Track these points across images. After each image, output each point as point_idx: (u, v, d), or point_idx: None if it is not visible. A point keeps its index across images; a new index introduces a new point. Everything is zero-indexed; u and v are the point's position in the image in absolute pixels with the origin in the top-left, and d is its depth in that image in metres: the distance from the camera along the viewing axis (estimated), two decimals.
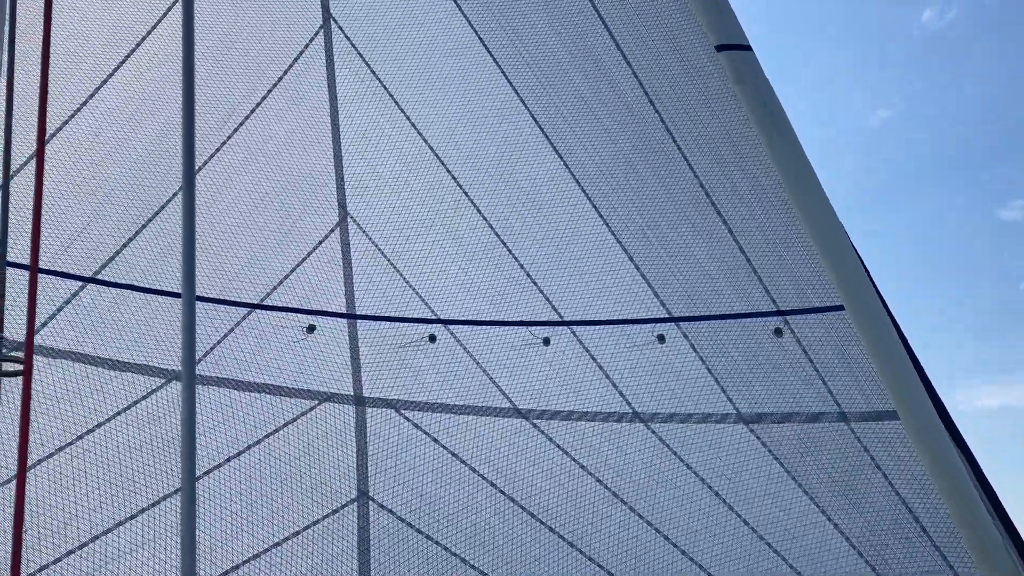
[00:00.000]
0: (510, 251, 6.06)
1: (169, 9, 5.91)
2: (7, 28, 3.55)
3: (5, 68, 3.54)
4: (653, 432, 5.82)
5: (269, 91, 5.95)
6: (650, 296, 5.97)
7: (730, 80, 5.09)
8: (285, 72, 5.97)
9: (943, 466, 5.08)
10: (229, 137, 5.71)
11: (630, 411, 5.86)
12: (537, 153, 6.05)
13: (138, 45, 5.38)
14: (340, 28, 6.17)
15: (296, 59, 6.05)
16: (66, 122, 5.21)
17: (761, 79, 4.89)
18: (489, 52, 6.08)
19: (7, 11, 3.56)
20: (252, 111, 5.84)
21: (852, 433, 5.74)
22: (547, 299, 6.00)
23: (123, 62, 5.35)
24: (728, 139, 5.80)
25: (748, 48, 4.91)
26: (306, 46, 6.11)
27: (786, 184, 5.17)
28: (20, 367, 2.29)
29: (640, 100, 5.86)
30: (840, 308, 5.55)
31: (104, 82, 5.30)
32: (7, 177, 3.67)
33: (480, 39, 6.09)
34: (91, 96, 5.28)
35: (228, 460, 5.40)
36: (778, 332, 5.78)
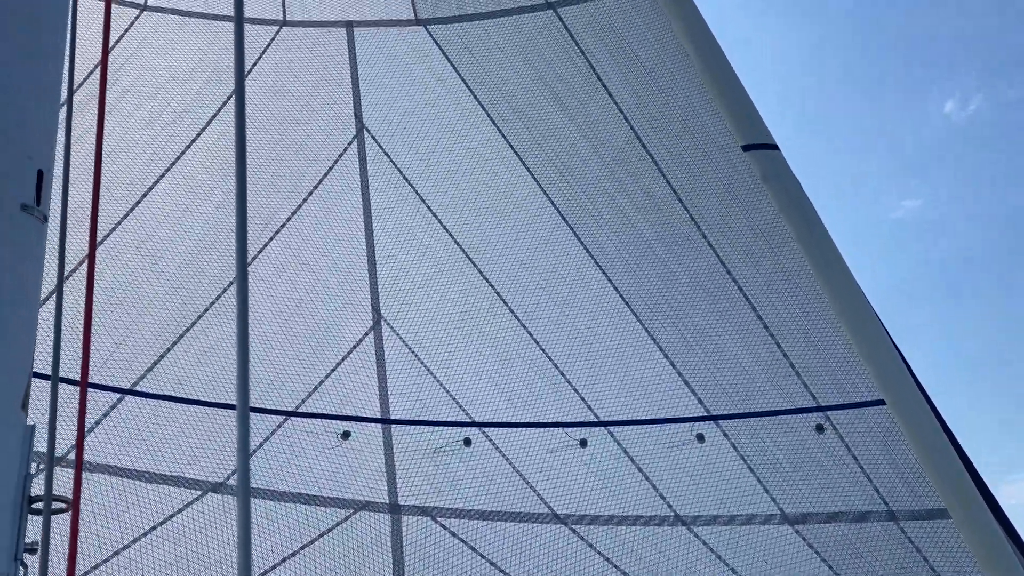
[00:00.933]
0: (543, 351, 6.04)
1: (208, 124, 6.12)
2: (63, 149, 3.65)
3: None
4: (696, 535, 5.66)
5: (305, 199, 6.09)
6: (687, 394, 5.89)
7: (758, 178, 5.13)
8: (320, 181, 6.12)
9: (999, 565, 4.87)
10: (265, 245, 5.83)
11: (671, 514, 5.72)
12: (567, 252, 6.08)
13: (174, 162, 5.56)
14: (373, 137, 6.33)
15: (331, 168, 6.19)
16: (104, 238, 5.35)
17: (789, 177, 4.92)
18: (516, 153, 6.20)
19: (64, 134, 3.65)
20: (288, 219, 5.96)
21: (902, 532, 5.54)
22: (583, 399, 5.95)
23: (160, 179, 5.51)
24: (758, 233, 5.79)
25: (775, 147, 4.96)
26: (340, 155, 6.27)
27: (819, 279, 5.14)
28: (67, 504, 2.29)
29: (668, 196, 5.90)
30: (881, 403, 5.44)
31: (142, 198, 5.47)
32: (60, 293, 3.74)
33: (507, 141, 6.22)
34: (129, 212, 5.43)
35: (264, 574, 5.33)
36: (819, 428, 5.65)
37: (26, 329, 2.25)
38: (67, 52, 2.71)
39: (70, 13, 2.91)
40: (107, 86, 5.60)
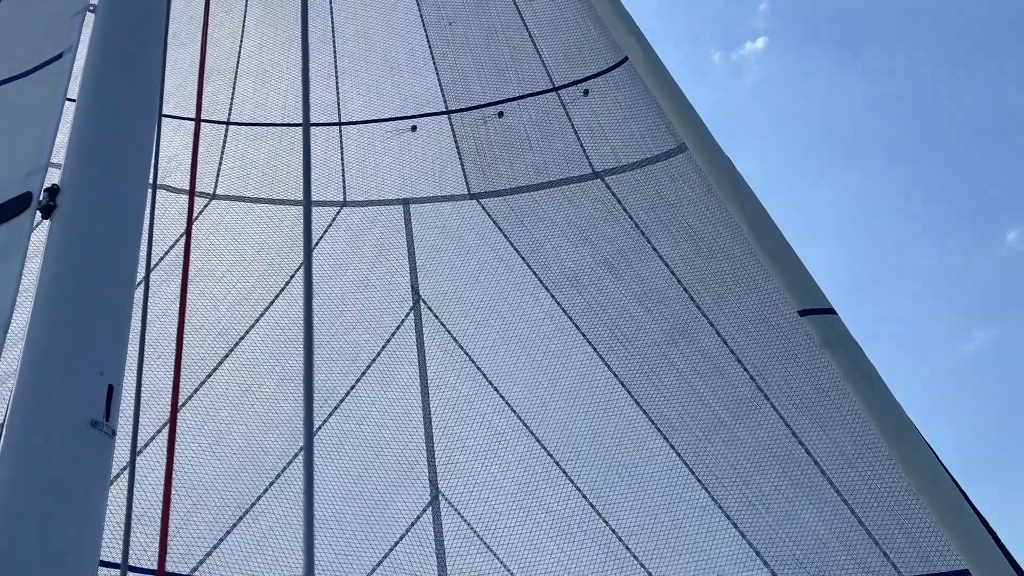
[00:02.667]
0: (606, 522, 5.87)
1: (271, 304, 6.31)
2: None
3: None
4: None
5: (362, 374, 6.16)
6: (759, 565, 5.63)
7: (817, 343, 5.06)
8: (377, 355, 6.20)
9: None
10: (324, 422, 5.87)
11: None
12: (627, 419, 6.00)
13: (237, 343, 5.71)
14: (429, 309, 6.45)
15: (388, 341, 6.29)
16: (162, 428, 5.45)
17: (848, 341, 4.84)
18: (571, 320, 6.24)
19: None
20: (346, 395, 6.02)
21: None
22: (648, 572, 5.71)
23: (223, 360, 5.65)
24: (823, 395, 5.66)
25: (832, 312, 4.91)
26: (397, 328, 6.38)
27: (888, 446, 4.96)
28: None
29: (728, 360, 5.84)
30: (967, 573, 5.12)
31: (205, 379, 5.59)
32: (132, 485, 3.77)
33: (562, 308, 6.28)
34: (192, 394, 5.55)
35: None
36: None
37: (91, 549, 2.25)
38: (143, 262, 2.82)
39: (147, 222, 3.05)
40: (174, 273, 5.83)
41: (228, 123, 7.06)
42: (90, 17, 3.12)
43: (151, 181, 3.04)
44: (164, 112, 6.17)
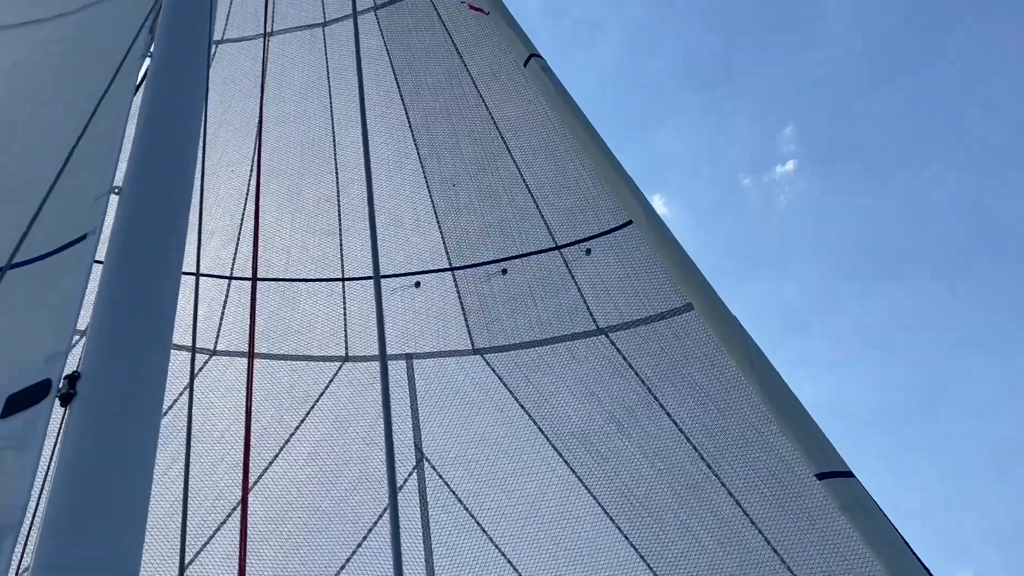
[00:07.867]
0: None
1: (268, 466, 6.14)
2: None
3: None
4: None
5: (364, 538, 5.94)
6: None
7: (836, 508, 4.92)
8: (378, 519, 6.00)
9: None
10: None
11: None
12: None
13: (234, 509, 5.51)
14: (433, 467, 6.29)
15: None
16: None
17: (870, 505, 4.71)
18: (580, 479, 6.09)
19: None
20: (346, 562, 5.78)
21: None
22: None
23: (219, 527, 5.44)
24: (844, 561, 5.48)
25: (850, 475, 4.80)
26: (399, 488, 6.20)
27: None
28: None
29: (744, 524, 5.66)
30: None
31: (200, 549, 5.36)
32: None
33: (570, 467, 6.14)
34: (191, 561, 5.32)
35: None
36: None
37: None
38: None
39: None
40: (172, 433, 5.69)
41: (231, 278, 7.08)
42: (114, 199, 3.14)
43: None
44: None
